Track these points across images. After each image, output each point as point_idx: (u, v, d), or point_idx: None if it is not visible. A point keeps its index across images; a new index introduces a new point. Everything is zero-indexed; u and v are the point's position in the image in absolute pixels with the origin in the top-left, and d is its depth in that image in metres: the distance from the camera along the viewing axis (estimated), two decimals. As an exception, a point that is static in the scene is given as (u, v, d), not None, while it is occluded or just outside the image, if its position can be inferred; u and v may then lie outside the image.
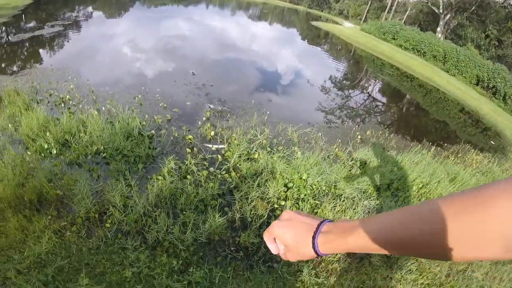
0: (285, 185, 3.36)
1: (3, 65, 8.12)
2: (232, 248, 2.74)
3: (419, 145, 5.48)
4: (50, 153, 3.84)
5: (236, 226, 2.93)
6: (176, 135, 4.31)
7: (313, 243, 0.63)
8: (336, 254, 2.81)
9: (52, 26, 13.57)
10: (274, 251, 0.72)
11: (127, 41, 11.30)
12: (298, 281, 2.58)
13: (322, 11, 43.30)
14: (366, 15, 36.50)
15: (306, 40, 20.53)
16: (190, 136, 4.31)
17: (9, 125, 4.50)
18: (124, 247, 2.60)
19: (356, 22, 33.42)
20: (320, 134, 4.86)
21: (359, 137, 5.28)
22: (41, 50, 10.39)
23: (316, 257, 0.66)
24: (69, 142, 4.10)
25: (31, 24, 13.07)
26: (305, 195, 3.33)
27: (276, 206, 3.16)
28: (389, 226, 0.54)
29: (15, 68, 8.06)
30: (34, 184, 3.11)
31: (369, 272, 2.77)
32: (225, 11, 30.20)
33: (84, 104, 5.41)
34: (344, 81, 11.10)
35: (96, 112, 4.67)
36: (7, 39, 11.33)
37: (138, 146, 3.94)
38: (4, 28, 12.16)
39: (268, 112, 5.48)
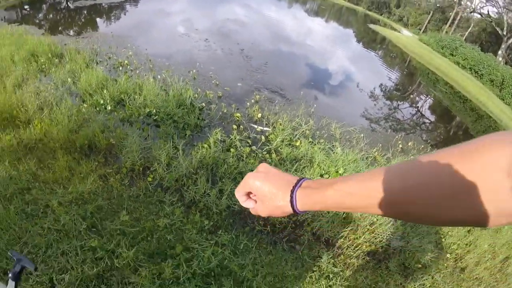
0: (321, 175, 3.47)
1: (60, 28, 8.71)
2: (260, 222, 2.89)
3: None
4: (105, 108, 4.18)
5: (268, 203, 3.09)
6: (225, 111, 4.54)
7: (291, 197, 0.60)
8: (357, 250, 2.88)
9: (111, -5, 14.19)
10: (247, 205, 0.69)
11: (184, 19, 11.65)
12: (316, 266, 2.68)
13: (381, 14, 41.83)
14: (426, 26, 34.97)
15: (361, 42, 20.13)
16: (238, 114, 4.52)
17: (69, 79, 4.89)
18: (162, 201, 2.84)
19: (415, 32, 32.07)
20: (362, 135, 4.91)
21: (400, 146, 5.26)
22: (102, 17, 11.02)
23: (292, 213, 0.62)
24: (124, 101, 4.44)
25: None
26: (338, 188, 3.42)
27: (309, 192, 3.28)
28: (377, 178, 0.49)
29: (76, 31, 8.66)
30: (86, 133, 3.43)
31: (384, 275, 2.82)
32: (282, 2, 30.02)
33: (141, 71, 5.77)
34: (394, 91, 10.87)
35: (152, 78, 4.97)
36: (66, 5, 12.06)
37: (188, 115, 4.19)
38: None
39: (315, 105, 5.58)
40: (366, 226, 3.02)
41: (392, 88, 11.17)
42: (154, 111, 4.21)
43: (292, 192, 0.60)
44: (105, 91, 4.47)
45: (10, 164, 2.89)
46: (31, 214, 2.46)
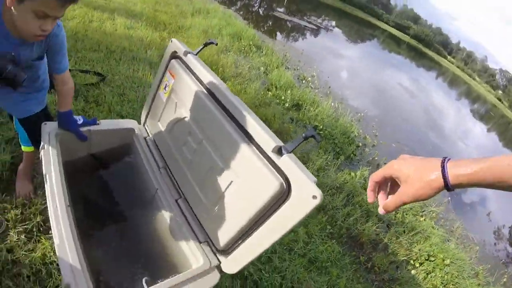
0: (428, 255, 3.72)
1: (260, 26, 10.22)
2: (365, 256, 3.32)
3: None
4: (284, 104, 5.07)
5: (378, 247, 3.51)
6: (375, 158, 5.07)
7: (443, 166, 0.57)
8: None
9: (300, 19, 15.72)
10: (370, 196, 0.71)
11: (360, 66, 12.48)
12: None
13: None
14: None
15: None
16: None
17: (261, 68, 5.96)
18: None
19: None
20: (477, 248, 4.86)
21: (504, 279, 5.00)
22: (293, 34, 12.42)
23: (442, 187, 0.57)
24: (300, 107, 5.30)
25: (281, 9, 15.33)
26: (435, 274, 3.64)
27: (412, 261, 3.59)
28: None
29: (273, 35, 10.10)
30: (266, 111, 4.34)
31: None
32: (452, 91, 28.41)
33: (319, 92, 6.64)
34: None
35: (328, 102, 5.78)
36: (257, 10, 13.87)
37: (346, 145, 4.84)
38: (258, 1, 14.64)
39: (449, 198, 5.67)
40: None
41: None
42: (321, 126, 4.97)
43: (443, 162, 0.58)
44: (289, 91, 5.43)
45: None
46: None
